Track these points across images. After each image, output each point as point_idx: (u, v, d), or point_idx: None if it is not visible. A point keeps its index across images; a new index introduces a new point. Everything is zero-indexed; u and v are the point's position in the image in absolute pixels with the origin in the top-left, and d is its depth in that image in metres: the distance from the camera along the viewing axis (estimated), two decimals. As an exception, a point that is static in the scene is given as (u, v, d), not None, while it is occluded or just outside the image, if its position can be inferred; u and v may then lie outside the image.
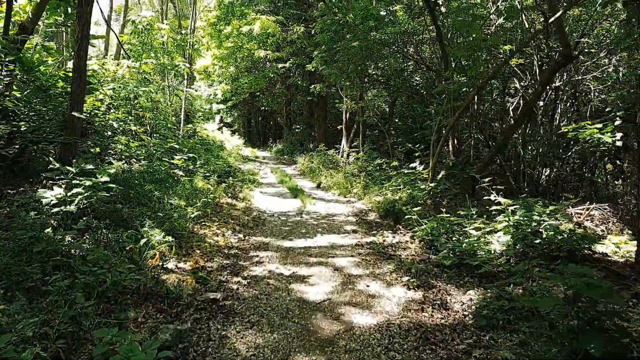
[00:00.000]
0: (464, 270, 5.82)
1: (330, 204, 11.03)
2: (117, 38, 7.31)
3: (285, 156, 26.21)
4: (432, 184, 10.48)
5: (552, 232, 6.14)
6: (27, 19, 6.00)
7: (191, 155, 9.22)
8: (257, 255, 6.29)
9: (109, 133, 8.92)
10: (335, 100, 23.45)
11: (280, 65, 23.34)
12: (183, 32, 11.53)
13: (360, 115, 18.84)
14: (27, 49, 6.55)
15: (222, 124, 33.80)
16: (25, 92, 6.07)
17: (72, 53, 5.63)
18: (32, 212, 4.76)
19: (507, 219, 6.54)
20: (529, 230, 6.28)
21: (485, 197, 10.38)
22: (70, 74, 7.01)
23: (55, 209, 4.78)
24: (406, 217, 8.35)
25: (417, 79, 15.64)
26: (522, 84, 12.95)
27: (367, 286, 5.30)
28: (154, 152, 8.66)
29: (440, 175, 11.41)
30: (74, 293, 3.58)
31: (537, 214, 6.62)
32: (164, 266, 5.10)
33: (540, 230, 6.31)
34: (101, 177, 4.95)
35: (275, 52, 23.04)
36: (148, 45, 10.02)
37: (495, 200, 7.03)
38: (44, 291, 3.61)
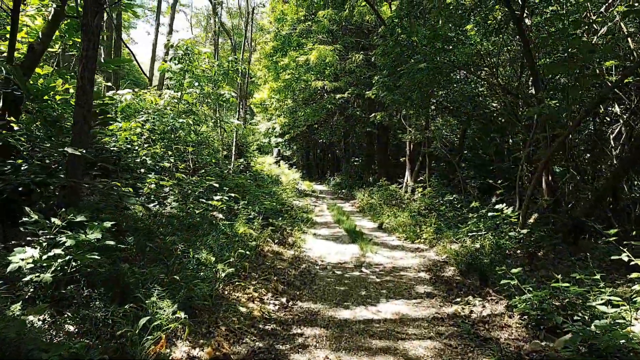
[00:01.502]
0: (603, 374, 3.92)
1: (395, 252, 9.31)
2: (135, 58, 6.13)
3: (343, 190, 24.74)
4: (524, 230, 8.52)
5: None
6: (37, 40, 5.06)
7: (233, 195, 7.95)
8: (302, 334, 4.71)
9: (142, 170, 7.86)
10: (397, 131, 21.86)
11: (338, 96, 22.21)
12: (230, 58, 10.60)
13: (426, 146, 17.11)
14: (39, 75, 5.64)
15: (279, 158, 33.05)
16: (27, 125, 5.08)
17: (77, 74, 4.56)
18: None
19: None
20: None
21: (593, 248, 8.29)
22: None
23: (29, 277, 3.52)
24: (498, 275, 6.51)
25: (494, 104, 13.75)
26: (623, 107, 10.74)
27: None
28: (190, 192, 7.46)
29: (532, 219, 9.40)
30: None
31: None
32: (171, 357, 3.66)
33: None
34: (92, 233, 3.66)
35: (333, 83, 21.96)
36: (190, 72, 9.07)
37: (631, 262, 5.05)
38: None
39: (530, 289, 5.44)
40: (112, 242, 3.88)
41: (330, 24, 20.81)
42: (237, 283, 5.57)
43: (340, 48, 20.78)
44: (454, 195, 14.88)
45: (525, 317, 5.29)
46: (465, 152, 20.32)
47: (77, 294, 3.65)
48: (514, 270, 5.76)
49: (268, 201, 10.50)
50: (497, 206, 9.11)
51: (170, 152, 9.16)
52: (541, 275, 7.27)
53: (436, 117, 16.86)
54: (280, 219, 10.06)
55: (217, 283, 5.21)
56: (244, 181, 12.56)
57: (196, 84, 9.49)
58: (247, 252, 6.33)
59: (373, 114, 16.99)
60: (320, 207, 17.38)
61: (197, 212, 6.89)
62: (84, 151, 4.33)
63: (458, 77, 15.43)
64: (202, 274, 5.09)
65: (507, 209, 8.98)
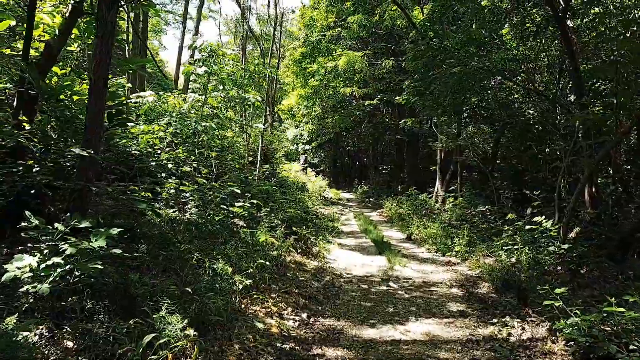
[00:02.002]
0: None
1: (425, 265, 8.81)
2: (153, 58, 5.94)
3: (370, 199, 24.24)
4: (565, 245, 7.89)
5: None
6: (53, 37, 4.89)
7: (255, 202, 7.64)
8: (323, 355, 4.31)
9: (163, 175, 7.65)
10: (427, 139, 21.27)
11: (367, 103, 21.82)
12: (256, 62, 10.38)
13: (457, 154, 16.49)
14: (56, 74, 5.46)
15: (307, 165, 32.81)
16: (42, 125, 4.89)
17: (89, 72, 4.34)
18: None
19: None
20: None
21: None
22: (113, 103, 5.81)
23: (25, 287, 3.26)
24: (538, 293, 5.97)
25: (530, 112, 13.08)
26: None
27: None
28: (211, 197, 7.18)
29: (573, 233, 8.75)
30: None
31: None
32: (177, 380, 3.33)
33: None
34: (97, 240, 3.38)
35: (362, 89, 21.58)
36: (214, 75, 8.85)
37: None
38: None
39: (577, 311, 4.89)
40: (118, 251, 3.59)
41: (360, 30, 20.47)
42: (255, 296, 5.22)
43: (369, 54, 20.40)
44: (487, 206, 14.24)
45: (572, 343, 4.74)
46: (498, 161, 19.57)
47: (79, 306, 3.36)
48: (558, 290, 5.21)
49: (292, 209, 10.15)
50: (535, 218, 8.51)
51: (193, 157, 8.95)
52: (586, 295, 6.67)
53: (469, 125, 16.23)
54: (304, 227, 9.70)
55: (234, 296, 4.88)
56: (268, 188, 12.29)
57: (221, 87, 9.28)
58: (267, 263, 5.98)
59: (403, 120, 16.48)
60: (347, 216, 16.96)
61: (216, 218, 6.60)
62: (92, 152, 4.08)
63: (492, 83, 14.81)
64: (217, 285, 4.76)
65: (546, 221, 8.36)
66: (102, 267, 3.30)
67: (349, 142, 30.73)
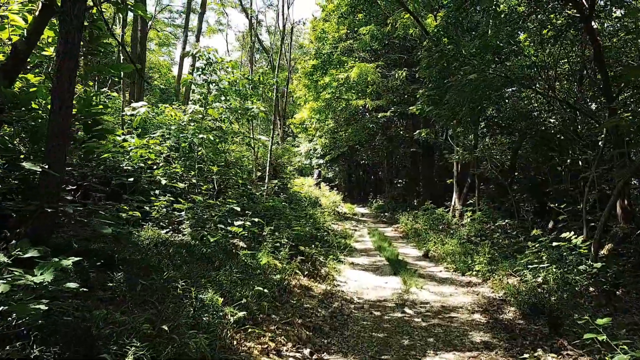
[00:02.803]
0: None
1: (443, 286, 8.08)
2: (134, 64, 5.26)
3: (385, 213, 23.49)
4: (597, 264, 7.11)
5: None
6: (21, 39, 4.42)
7: (256, 220, 7.05)
8: (325, 404, 3.66)
9: (157, 192, 7.13)
10: (443, 151, 20.55)
11: (380, 115, 21.23)
12: (261, 71, 9.88)
13: (475, 167, 15.73)
14: (29, 80, 4.98)
15: (320, 179, 32.22)
16: (8, 138, 4.39)
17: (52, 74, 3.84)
18: None
19: None
20: None
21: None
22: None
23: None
24: (572, 320, 5.25)
25: (552, 120, 12.32)
26: None
27: None
28: (207, 216, 6.63)
29: (605, 250, 7.97)
30: None
31: None
32: None
33: None
34: (41, 273, 2.81)
35: (375, 101, 21.02)
36: (214, 84, 8.36)
37: None
38: None
39: (624, 346, 4.15)
40: (73, 285, 3.00)
41: (372, 41, 19.99)
42: (250, 330, 4.59)
43: (382, 65, 19.88)
44: (506, 220, 13.43)
45: (620, 386, 4.00)
46: (516, 173, 18.70)
47: (19, 355, 2.78)
48: (600, 321, 4.46)
49: (299, 226, 9.53)
50: (563, 234, 7.73)
51: (193, 172, 8.43)
52: (627, 322, 5.91)
53: (485, 136, 15.50)
54: (313, 246, 9.06)
55: (224, 331, 4.26)
56: (277, 204, 11.71)
57: (223, 98, 8.79)
58: (266, 290, 5.34)
59: (418, 131, 15.82)
60: (360, 232, 16.27)
61: (212, 240, 6.01)
62: (47, 167, 3.53)
63: (509, 92, 14.13)
64: (204, 319, 4.16)
65: (575, 237, 7.58)
66: (46, 308, 2.71)
67: (363, 155, 30.11)
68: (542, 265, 7.79)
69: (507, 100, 13.60)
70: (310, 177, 30.73)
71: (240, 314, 4.59)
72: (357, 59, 21.31)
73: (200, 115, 8.52)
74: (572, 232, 8.07)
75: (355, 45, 21.27)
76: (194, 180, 8.30)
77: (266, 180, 12.80)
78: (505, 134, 14.85)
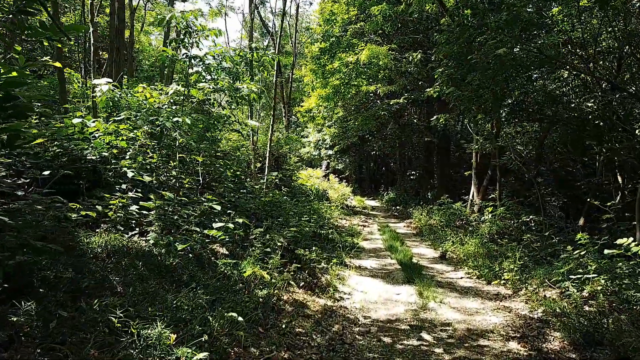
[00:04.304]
0: None
1: (467, 299, 6.77)
2: (58, 27, 3.94)
3: (397, 207, 22.16)
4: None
5: None
6: None
7: (240, 221, 5.79)
8: None
9: (124, 187, 5.91)
10: (460, 141, 19.09)
11: (392, 102, 19.79)
12: (254, 45, 8.58)
13: (496, 157, 14.30)
14: None
15: (329, 171, 30.94)
16: None
17: None
18: None
19: None
20: None
21: None
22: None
23: None
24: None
25: (589, 104, 10.84)
26: None
27: None
28: (176, 217, 5.39)
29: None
30: None
31: None
32: None
33: None
34: None
35: (387, 86, 19.58)
36: (197, 59, 7.06)
37: None
38: None
39: None
40: None
41: (384, 22, 18.51)
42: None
43: (395, 47, 18.39)
44: (531, 216, 12.04)
45: None
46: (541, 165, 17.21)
47: None
48: None
49: (300, 225, 8.27)
50: (619, 240, 6.36)
51: (174, 163, 7.20)
52: None
53: (510, 123, 14.03)
54: (314, 248, 7.79)
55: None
56: (279, 198, 10.46)
57: (209, 77, 7.51)
58: (240, 319, 4.08)
59: (435, 117, 14.37)
60: (370, 228, 14.96)
61: (179, 247, 4.77)
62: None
63: (537, 74, 12.65)
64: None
65: (635, 244, 6.20)
66: None
67: (374, 146, 28.71)
68: (588, 276, 6.46)
69: (535, 83, 12.13)
70: (318, 169, 29.49)
71: (201, 355, 3.35)
72: (367, 42, 19.86)
73: (182, 97, 7.25)
74: (631, 239, 6.69)
75: (367, 28, 19.79)
76: (174, 173, 7.06)
77: (266, 172, 11.56)
78: (532, 120, 13.37)
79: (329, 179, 26.19)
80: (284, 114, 18.99)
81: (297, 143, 22.46)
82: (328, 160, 33.13)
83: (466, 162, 20.99)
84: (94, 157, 6.11)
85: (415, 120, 22.67)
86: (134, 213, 5.28)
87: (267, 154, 11.61)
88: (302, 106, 25.82)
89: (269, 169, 11.81)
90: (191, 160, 7.44)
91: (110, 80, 6.21)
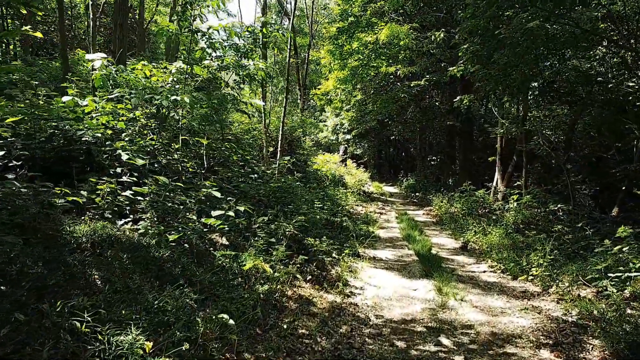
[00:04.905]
0: None
1: (491, 297, 6.18)
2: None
3: (417, 194, 21.47)
4: None
5: None
6: None
7: (242, 208, 5.26)
8: None
9: (119, 170, 5.46)
10: (484, 125, 18.23)
11: (413, 84, 18.95)
12: (262, 19, 7.97)
13: (523, 142, 13.48)
14: None
15: (347, 156, 30.28)
16: None
17: None
18: None
19: None
20: None
21: None
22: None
23: None
24: None
25: (630, 83, 9.95)
26: None
27: None
28: (170, 204, 4.91)
29: None
30: None
31: None
32: None
33: None
34: None
35: (407, 67, 18.75)
36: (201, 34, 6.51)
37: None
38: None
39: None
40: None
41: (406, 0, 17.65)
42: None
43: (416, 26, 17.51)
44: (559, 205, 11.26)
45: None
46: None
47: None
48: None
49: (310, 213, 7.74)
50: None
51: (176, 145, 6.72)
52: None
53: (540, 105, 13.16)
54: (325, 237, 7.26)
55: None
56: (292, 183, 9.95)
57: (214, 54, 6.97)
58: (232, 322, 3.59)
59: (458, 97, 13.56)
60: (387, 216, 14.37)
61: (171, 238, 4.29)
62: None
63: (570, 52, 11.72)
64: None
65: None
66: None
67: (393, 130, 27.89)
68: (630, 274, 5.79)
69: (567, 62, 11.23)
70: (336, 154, 28.87)
71: (181, 369, 2.87)
72: (388, 20, 18.99)
73: (186, 75, 6.73)
74: None
75: (387, 6, 18.92)
76: (176, 156, 6.59)
77: (278, 157, 11.03)
78: (562, 103, 12.48)
79: (346, 164, 25.55)
80: (299, 97, 18.32)
81: (312, 126, 21.79)
82: (346, 145, 32.44)
83: (490, 147, 20.08)
84: (88, 139, 5.67)
85: (437, 103, 21.82)
86: (125, 199, 4.82)
87: (280, 138, 11.06)
88: (319, 89, 25.12)
89: (281, 153, 11.27)
90: (194, 143, 6.95)
91: (104, 55, 5.72)
